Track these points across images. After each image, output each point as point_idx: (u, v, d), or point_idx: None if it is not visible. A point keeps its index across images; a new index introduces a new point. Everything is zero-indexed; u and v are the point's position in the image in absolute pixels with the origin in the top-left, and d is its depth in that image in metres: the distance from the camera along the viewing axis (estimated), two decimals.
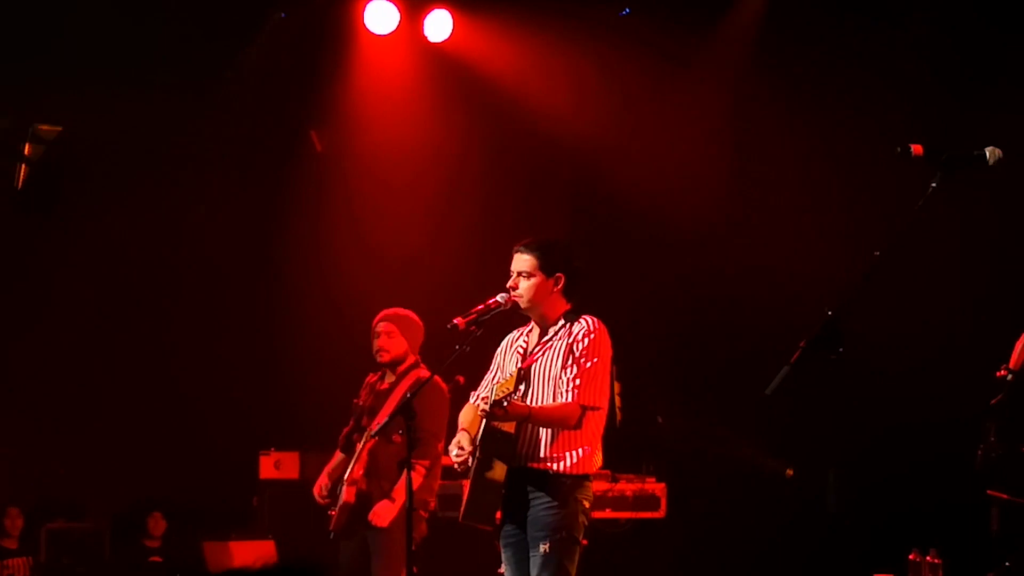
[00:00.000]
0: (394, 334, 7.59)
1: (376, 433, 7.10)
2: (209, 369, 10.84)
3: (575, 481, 5.83)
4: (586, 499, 5.88)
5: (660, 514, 9.41)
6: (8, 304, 10.61)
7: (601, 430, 5.94)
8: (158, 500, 10.43)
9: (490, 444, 5.83)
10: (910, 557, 7.55)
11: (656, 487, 9.41)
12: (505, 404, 5.63)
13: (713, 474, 9.86)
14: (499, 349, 6.24)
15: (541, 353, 5.94)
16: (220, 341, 10.92)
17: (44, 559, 10.08)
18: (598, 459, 5.95)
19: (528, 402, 5.86)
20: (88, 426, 10.70)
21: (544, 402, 5.86)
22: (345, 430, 7.75)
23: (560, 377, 5.85)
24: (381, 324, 7.65)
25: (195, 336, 10.92)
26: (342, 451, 7.70)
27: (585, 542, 5.92)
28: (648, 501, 9.36)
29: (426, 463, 7.26)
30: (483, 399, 5.91)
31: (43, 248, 10.68)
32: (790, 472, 9.77)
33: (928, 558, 7.49)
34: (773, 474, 9.78)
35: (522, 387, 5.89)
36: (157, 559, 10.27)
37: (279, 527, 9.93)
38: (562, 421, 5.81)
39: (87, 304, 10.79)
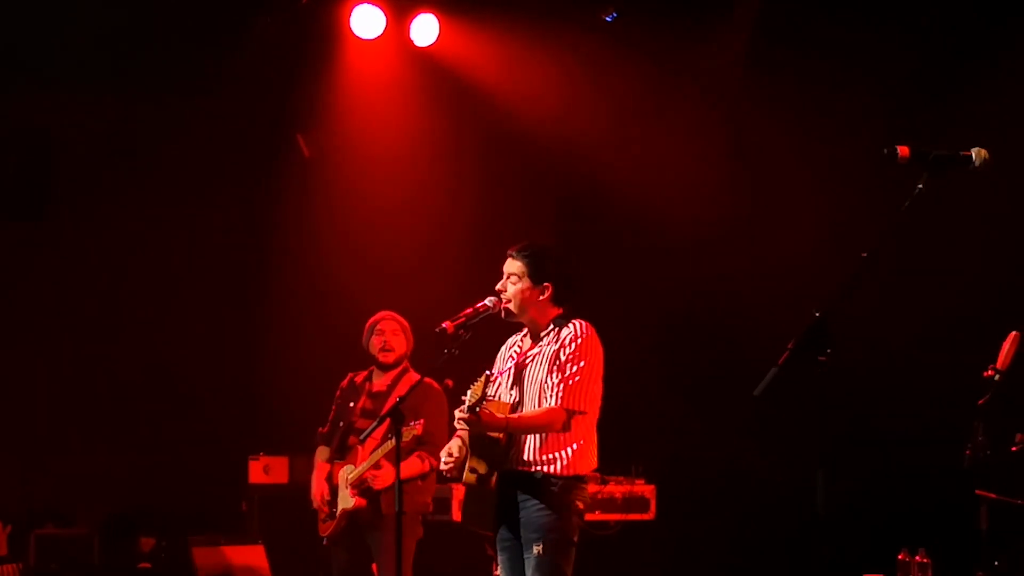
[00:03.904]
0: (398, 333, 7.65)
1: (363, 438, 7.07)
2: (197, 374, 10.82)
3: (566, 482, 5.82)
4: (580, 500, 5.88)
5: (649, 516, 9.42)
6: None
7: (592, 433, 5.94)
8: (146, 518, 10.40)
9: (478, 449, 5.83)
10: (899, 557, 7.58)
11: (645, 489, 9.42)
12: (477, 410, 5.63)
13: (702, 475, 9.87)
14: (499, 354, 6.24)
15: (531, 360, 5.95)
16: (208, 345, 10.91)
17: (33, 565, 10.05)
18: (590, 461, 5.95)
19: (522, 411, 5.86)
20: (76, 431, 10.67)
21: (534, 408, 5.87)
22: (323, 430, 7.73)
23: (546, 382, 5.86)
24: (385, 323, 7.69)
25: (183, 341, 10.90)
26: (336, 455, 7.66)
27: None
28: (637, 503, 9.37)
29: (435, 463, 7.26)
30: (460, 409, 5.86)
31: (29, 255, 10.65)
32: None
33: (917, 558, 7.52)
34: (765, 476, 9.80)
35: (513, 393, 5.90)
36: (146, 564, 10.26)
37: (268, 531, 9.93)
38: (547, 426, 5.80)
39: (74, 310, 10.77)
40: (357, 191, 10.87)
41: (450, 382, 7.08)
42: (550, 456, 5.82)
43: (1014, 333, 6.42)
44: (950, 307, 8.79)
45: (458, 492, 8.97)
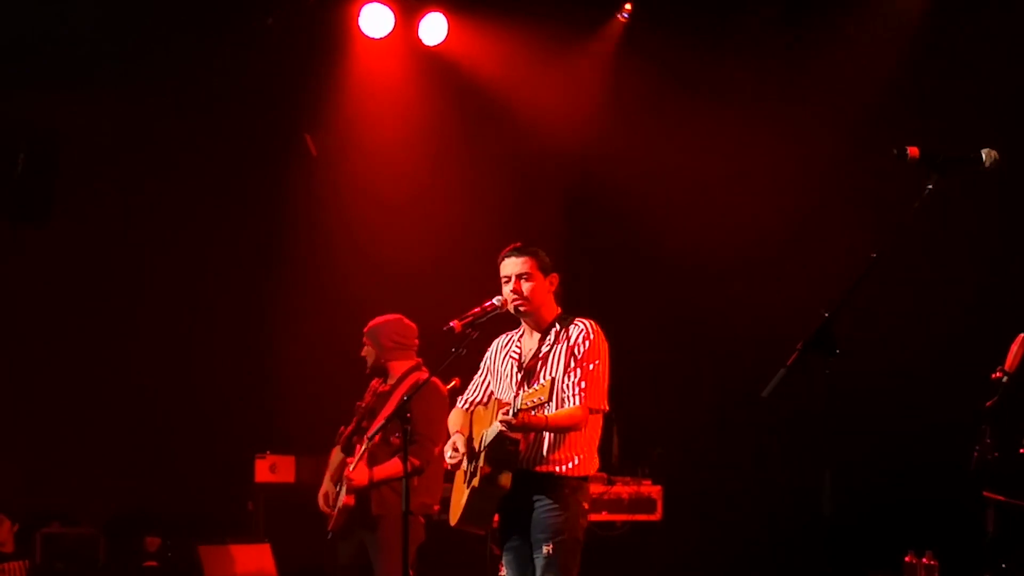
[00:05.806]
0: (366, 344, 7.73)
1: (372, 435, 7.11)
2: (204, 373, 10.82)
3: (577, 483, 5.86)
4: (585, 501, 5.92)
5: (656, 517, 9.42)
6: None
7: (599, 432, 5.97)
8: (152, 517, 10.40)
9: (498, 450, 5.80)
10: (906, 559, 7.57)
11: (652, 490, 9.42)
12: (534, 413, 5.61)
13: (709, 477, 9.87)
14: (488, 353, 6.24)
15: (541, 360, 5.95)
16: (215, 345, 10.91)
17: (39, 563, 10.06)
18: (596, 461, 5.97)
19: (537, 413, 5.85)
20: (83, 430, 10.67)
21: (549, 408, 5.86)
22: (346, 430, 7.76)
23: (564, 382, 5.86)
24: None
25: (190, 340, 10.91)
26: (343, 451, 7.71)
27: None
28: (644, 504, 9.37)
29: (416, 463, 7.25)
30: (504, 411, 5.80)
31: (34, 253, 10.65)
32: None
33: (924, 560, 7.51)
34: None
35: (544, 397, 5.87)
36: (152, 563, 10.26)
37: (275, 530, 9.93)
38: (573, 427, 5.83)
39: (79, 309, 10.77)
40: (365, 190, 10.87)
41: (457, 381, 7.09)
42: (567, 456, 5.84)
43: (1022, 335, 6.40)
44: (958, 308, 8.78)
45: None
